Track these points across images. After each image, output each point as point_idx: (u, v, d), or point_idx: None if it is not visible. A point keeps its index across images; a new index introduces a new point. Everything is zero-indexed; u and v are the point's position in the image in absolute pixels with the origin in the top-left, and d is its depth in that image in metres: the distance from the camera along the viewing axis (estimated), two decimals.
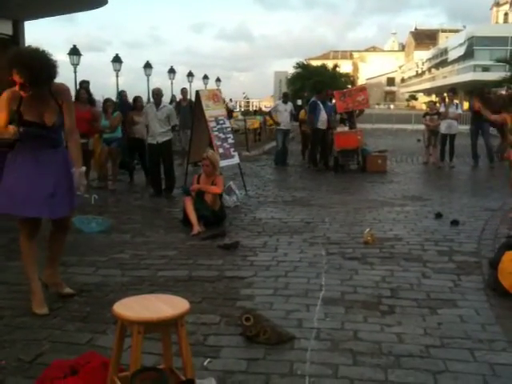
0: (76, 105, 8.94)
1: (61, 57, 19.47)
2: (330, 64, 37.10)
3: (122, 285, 4.45)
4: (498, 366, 3.06)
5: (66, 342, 3.39)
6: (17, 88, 3.65)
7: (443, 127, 12.80)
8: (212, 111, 8.84)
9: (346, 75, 38.39)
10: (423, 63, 61.08)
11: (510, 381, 2.92)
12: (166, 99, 12.07)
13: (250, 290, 4.34)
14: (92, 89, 10.31)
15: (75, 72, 21.16)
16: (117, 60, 25.62)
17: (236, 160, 9.27)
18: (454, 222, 6.68)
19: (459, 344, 3.34)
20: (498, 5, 57.43)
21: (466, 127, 15.92)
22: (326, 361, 3.12)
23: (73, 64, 21.22)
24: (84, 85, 10.25)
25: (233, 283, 4.52)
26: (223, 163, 8.53)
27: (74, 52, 21.31)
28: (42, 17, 14.04)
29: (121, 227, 6.63)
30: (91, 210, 7.28)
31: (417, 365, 3.07)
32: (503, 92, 23.20)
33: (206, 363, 3.08)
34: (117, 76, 25.87)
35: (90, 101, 9.43)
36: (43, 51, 3.69)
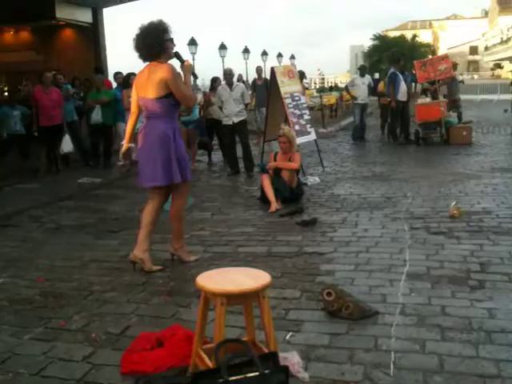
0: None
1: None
2: (408, 34, 35.63)
3: (203, 260, 4.54)
4: None
5: (151, 315, 3.50)
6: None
7: None
8: (287, 87, 8.73)
9: (426, 45, 36.75)
10: (508, 29, 57.15)
11: None
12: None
13: (330, 266, 4.28)
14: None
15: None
16: (192, 43, 25.97)
17: (313, 136, 9.13)
18: None
19: None
20: None
21: None
22: (413, 336, 3.01)
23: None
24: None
25: (312, 259, 4.48)
26: (300, 140, 8.43)
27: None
28: (122, 3, 14.45)
29: (201, 205, 6.75)
30: None
31: (510, 341, 2.90)
32: None
33: (288, 337, 3.07)
34: (193, 59, 26.25)
35: None
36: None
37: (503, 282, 3.75)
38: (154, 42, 4.07)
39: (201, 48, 25.30)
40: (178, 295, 3.80)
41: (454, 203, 5.76)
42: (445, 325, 3.12)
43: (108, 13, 18.32)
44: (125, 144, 4.58)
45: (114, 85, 11.07)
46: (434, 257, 4.37)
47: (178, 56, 4.28)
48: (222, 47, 29.38)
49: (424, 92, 12.30)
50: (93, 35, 14.96)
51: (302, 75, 12.13)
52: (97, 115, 9.69)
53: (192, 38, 25.95)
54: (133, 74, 9.53)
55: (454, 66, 12.25)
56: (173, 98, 4.15)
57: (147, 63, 4.23)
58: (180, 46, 4.22)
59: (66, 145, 9.34)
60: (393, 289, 3.72)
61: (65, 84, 10.51)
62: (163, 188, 4.34)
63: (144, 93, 4.19)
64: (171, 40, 4.19)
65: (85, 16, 14.54)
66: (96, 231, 5.73)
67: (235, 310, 2.94)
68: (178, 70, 4.26)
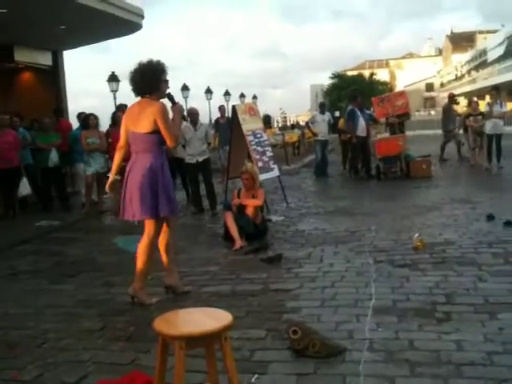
0: (113, 128, 9.23)
1: (100, 85, 20.04)
2: (366, 73, 36.75)
3: (165, 302, 4.37)
4: None
5: (110, 362, 3.32)
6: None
7: (488, 127, 12.34)
8: (249, 125, 8.77)
9: (384, 83, 37.91)
10: (462, 66, 59.85)
11: None
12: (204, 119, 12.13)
13: (296, 303, 4.19)
14: None
15: (115, 98, 21.59)
16: None
17: (276, 173, 9.15)
18: (508, 223, 6.34)
19: None
20: None
21: (510, 128, 15.35)
22: (382, 373, 2.92)
23: (112, 91, 21.67)
24: (122, 107, 10.44)
25: (278, 296, 4.38)
26: (263, 176, 8.43)
27: (113, 79, 21.75)
28: (80, 46, 14.45)
29: None
30: (135, 229, 7.31)
31: (480, 373, 2.84)
32: None
33: (253, 380, 2.94)
34: None
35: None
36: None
37: (469, 312, 3.73)
38: (150, 79, 4.20)
39: None
40: (137, 340, 3.63)
41: (416, 235, 5.78)
42: (413, 359, 3.05)
43: (69, 55, 18.32)
44: (111, 176, 4.59)
45: (77, 125, 10.94)
46: (399, 290, 4.34)
47: (170, 97, 4.42)
48: (185, 88, 29.62)
49: (389, 126, 12.57)
50: (53, 77, 14.87)
51: (268, 119, 12.32)
52: (54, 157, 9.55)
53: (151, 59, 26.05)
54: (92, 115, 9.46)
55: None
56: (159, 135, 4.20)
57: (138, 99, 4.32)
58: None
59: (24, 188, 9.11)
60: (360, 324, 3.65)
61: (21, 127, 10.29)
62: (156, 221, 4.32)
63: (134, 127, 4.24)
64: (166, 81, 4.33)
65: (44, 59, 14.48)
66: (52, 275, 5.51)
67: (197, 353, 2.81)
68: (169, 110, 4.36)
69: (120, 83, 21.01)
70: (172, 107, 4.41)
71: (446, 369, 2.91)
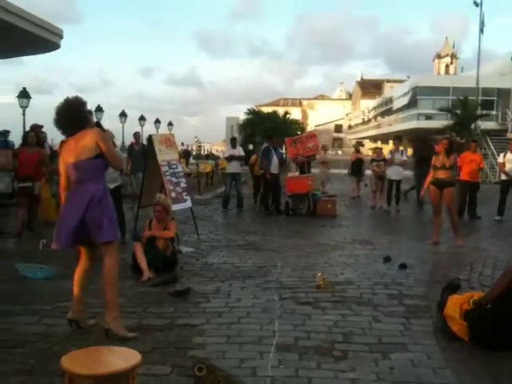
0: (24, 148, 8.92)
1: (9, 99, 19.19)
2: (280, 111, 37.92)
3: (68, 335, 4.27)
4: None
5: None
6: None
7: (389, 173, 13.24)
8: (165, 155, 8.81)
9: (296, 122, 39.28)
10: (369, 111, 63.37)
11: None
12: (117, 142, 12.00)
13: (202, 338, 4.25)
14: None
15: (24, 114, 20.75)
16: None
17: (188, 204, 9.22)
18: (403, 266, 6.81)
19: None
20: (439, 57, 60.92)
21: (410, 173, 16.49)
22: None
23: (22, 106, 20.82)
24: (38, 129, 10.19)
25: (184, 331, 4.42)
26: (175, 207, 8.45)
27: (24, 95, 20.94)
28: None
29: (67, 274, 6.35)
30: (39, 255, 7.07)
31: None
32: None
33: None
34: None
35: (39, 143, 9.31)
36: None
37: (364, 352, 3.99)
38: (77, 118, 4.25)
39: None
40: (38, 374, 3.52)
41: (319, 274, 6.06)
42: None
43: None
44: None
45: None
46: (301, 327, 4.53)
47: (99, 125, 4.52)
48: (99, 109, 29.01)
49: (301, 168, 13.16)
50: None
51: (187, 154, 12.42)
52: None
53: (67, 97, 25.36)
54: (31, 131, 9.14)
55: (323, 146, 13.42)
56: (103, 159, 4.19)
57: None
58: (54, 105, 4.31)
59: None
60: (263, 361, 3.78)
61: None
62: (90, 248, 4.32)
63: (73, 157, 4.20)
64: (90, 112, 4.45)
65: None
66: None
67: None
68: None
69: (31, 100, 20.24)
70: None
71: None
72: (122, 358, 2.37)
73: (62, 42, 12.96)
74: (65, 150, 4.35)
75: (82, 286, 4.44)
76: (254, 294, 5.56)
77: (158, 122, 39.46)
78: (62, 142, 4.66)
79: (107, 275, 4.26)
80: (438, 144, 8.81)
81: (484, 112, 29.95)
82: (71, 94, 4.36)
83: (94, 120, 4.52)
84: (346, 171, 27.04)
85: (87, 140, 4.18)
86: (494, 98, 37.43)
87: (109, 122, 34.35)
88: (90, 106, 4.60)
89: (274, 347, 4.03)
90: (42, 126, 10.69)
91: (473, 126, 28.21)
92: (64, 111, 4.25)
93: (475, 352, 4.01)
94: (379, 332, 4.42)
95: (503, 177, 11.91)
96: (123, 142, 27.10)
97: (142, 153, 11.61)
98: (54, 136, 14.05)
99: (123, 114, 34.19)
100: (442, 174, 8.34)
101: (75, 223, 4.13)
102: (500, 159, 12.18)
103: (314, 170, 16.67)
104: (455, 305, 4.31)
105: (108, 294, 4.26)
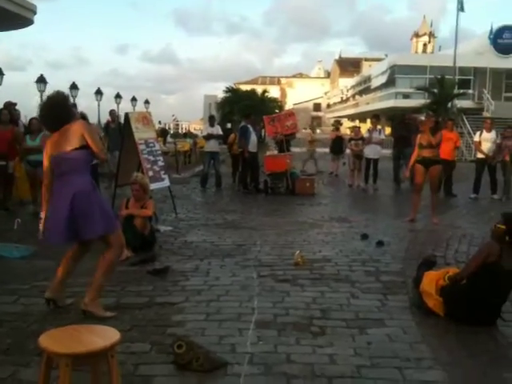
0: None
1: None
2: (258, 89, 37.74)
3: (46, 314, 4.24)
4: (425, 383, 3.17)
5: None
6: None
7: (367, 152, 13.31)
8: (142, 134, 8.70)
9: (275, 100, 39.14)
10: (347, 90, 63.25)
11: None
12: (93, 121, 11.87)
13: (181, 316, 4.26)
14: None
15: None
16: (41, 80, 24.78)
17: (166, 183, 9.15)
18: (380, 243, 6.90)
19: (388, 363, 3.43)
20: (417, 36, 60.86)
21: (388, 151, 16.63)
22: None
23: None
24: (11, 106, 9.99)
25: (163, 309, 4.42)
26: (153, 186, 8.40)
27: None
28: None
29: (43, 253, 6.31)
30: (14, 234, 6.97)
31: None
32: (422, 117, 24.50)
33: None
34: (41, 97, 24.99)
35: (12, 121, 9.13)
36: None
37: (342, 327, 4.04)
38: (63, 113, 4.23)
39: (51, 87, 24.23)
40: (16, 353, 3.50)
41: (298, 252, 6.11)
42: (290, 372, 3.26)
43: None
44: (43, 214, 4.31)
45: None
46: (280, 304, 4.57)
47: (84, 117, 4.48)
48: (74, 87, 28.48)
49: (280, 145, 13.11)
50: None
51: (165, 132, 12.28)
52: None
53: (41, 75, 24.82)
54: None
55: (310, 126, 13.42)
56: (87, 151, 4.14)
57: None
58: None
59: None
60: (242, 338, 3.81)
61: None
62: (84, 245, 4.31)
63: (58, 149, 4.14)
64: (74, 105, 4.38)
65: None
66: None
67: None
68: None
69: (4, 77, 19.76)
70: None
71: (318, 382, 3.16)
72: (100, 336, 2.36)
73: (36, 18, 12.65)
74: (49, 144, 4.29)
75: (68, 271, 4.39)
76: (233, 272, 5.59)
77: (134, 99, 38.92)
78: (46, 138, 4.62)
79: (105, 264, 4.26)
80: (423, 122, 8.84)
81: (461, 91, 30.15)
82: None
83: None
84: (325, 150, 27.24)
85: (72, 131, 4.14)
86: (471, 77, 37.68)
87: (84, 99, 33.78)
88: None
89: (253, 324, 4.06)
90: (15, 104, 10.51)
91: (449, 105, 28.44)
92: (48, 108, 4.24)
93: (450, 327, 4.10)
94: (356, 308, 4.48)
95: (479, 155, 12.07)
96: (99, 121, 26.67)
97: (119, 131, 11.44)
98: (27, 113, 13.79)
99: (99, 92, 33.63)
100: (428, 153, 8.37)
101: (65, 218, 4.04)
102: (476, 138, 12.33)
103: (296, 149, 16.65)
104: (431, 281, 4.39)
105: (97, 279, 4.25)
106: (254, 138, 12.35)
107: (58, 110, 4.21)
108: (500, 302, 4.18)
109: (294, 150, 16.39)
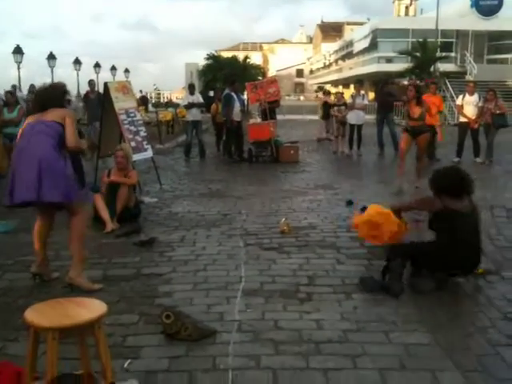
0: None
1: None
2: (240, 56, 37.19)
3: (32, 288, 4.23)
4: (411, 346, 3.23)
5: None
6: None
7: (350, 118, 13.26)
8: (122, 103, 8.55)
9: (257, 67, 38.67)
10: (330, 55, 62.66)
11: (423, 359, 3.09)
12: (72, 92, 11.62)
13: (168, 287, 4.27)
14: None
15: None
16: (18, 51, 24.21)
17: (149, 153, 9.06)
18: (364, 209, 6.92)
19: (374, 327, 3.49)
20: None
21: (372, 117, 16.60)
22: (249, 352, 3.14)
23: None
24: None
25: (150, 280, 4.43)
26: (136, 157, 8.31)
27: None
28: None
29: (26, 227, 6.23)
30: None
31: (336, 350, 3.17)
32: (405, 82, 24.45)
33: (126, 365, 3.00)
34: (18, 68, 24.48)
35: None
36: None
37: (328, 293, 4.09)
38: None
39: (27, 57, 23.69)
40: (3, 328, 3.49)
41: (283, 219, 6.13)
42: (278, 339, 3.30)
43: None
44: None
45: None
46: (266, 272, 4.60)
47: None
48: (51, 57, 27.84)
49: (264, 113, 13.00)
50: None
51: (145, 100, 12.04)
52: None
53: (17, 46, 24.20)
54: None
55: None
56: (63, 130, 4.14)
57: None
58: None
59: None
60: (229, 306, 3.84)
61: None
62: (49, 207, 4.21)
63: (38, 118, 4.19)
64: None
65: None
66: None
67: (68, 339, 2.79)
68: None
69: None
70: None
71: (306, 347, 3.20)
72: (87, 308, 2.35)
73: None
74: (30, 117, 4.33)
75: (42, 241, 4.36)
76: (220, 242, 5.59)
77: (113, 68, 38.30)
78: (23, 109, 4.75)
79: (72, 233, 4.20)
80: (406, 93, 8.77)
81: (443, 54, 30.05)
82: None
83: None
84: (308, 117, 27.12)
85: (57, 111, 4.23)
86: (453, 40, 37.50)
87: (62, 70, 33.08)
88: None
89: (240, 292, 4.09)
90: None
91: (432, 69, 28.37)
92: (52, 90, 4.39)
93: (433, 291, 4.15)
94: (342, 273, 4.53)
95: (461, 119, 12.10)
96: (78, 91, 26.23)
97: (98, 101, 11.24)
98: (4, 84, 13.44)
99: (77, 62, 32.96)
100: (415, 123, 8.37)
101: (29, 178, 3.94)
102: (458, 101, 12.34)
103: (278, 117, 16.49)
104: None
105: (73, 251, 4.22)
106: (237, 106, 12.20)
107: (55, 99, 4.31)
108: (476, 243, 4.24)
109: (278, 116, 16.23)
